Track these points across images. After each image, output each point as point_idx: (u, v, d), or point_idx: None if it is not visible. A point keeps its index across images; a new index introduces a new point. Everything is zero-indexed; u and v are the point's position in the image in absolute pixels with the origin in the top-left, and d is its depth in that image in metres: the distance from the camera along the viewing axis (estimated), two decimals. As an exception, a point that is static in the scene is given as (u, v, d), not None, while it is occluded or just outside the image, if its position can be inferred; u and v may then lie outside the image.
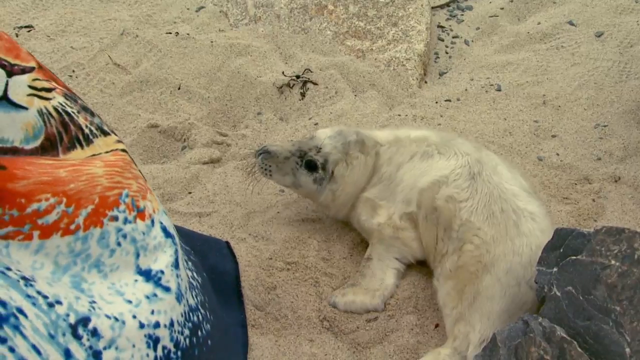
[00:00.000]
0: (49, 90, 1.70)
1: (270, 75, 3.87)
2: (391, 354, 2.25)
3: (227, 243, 2.63)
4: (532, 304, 2.11)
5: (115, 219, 1.67)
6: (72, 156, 1.69)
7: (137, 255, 1.72)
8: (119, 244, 1.67)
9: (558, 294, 1.81)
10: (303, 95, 3.77)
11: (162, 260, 1.78)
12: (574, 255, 1.82)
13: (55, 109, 1.69)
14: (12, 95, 1.57)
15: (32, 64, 1.68)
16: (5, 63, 1.59)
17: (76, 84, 3.78)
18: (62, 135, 1.69)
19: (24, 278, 1.45)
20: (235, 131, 3.55)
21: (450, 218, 2.34)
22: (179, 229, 2.57)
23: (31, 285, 1.45)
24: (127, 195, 1.73)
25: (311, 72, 3.88)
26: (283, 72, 3.87)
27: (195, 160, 3.24)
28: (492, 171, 2.41)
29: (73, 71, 3.88)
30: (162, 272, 1.76)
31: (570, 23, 4.40)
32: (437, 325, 2.35)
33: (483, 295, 2.13)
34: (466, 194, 2.35)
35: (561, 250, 1.90)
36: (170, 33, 4.28)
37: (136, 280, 1.69)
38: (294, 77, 3.83)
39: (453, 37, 4.49)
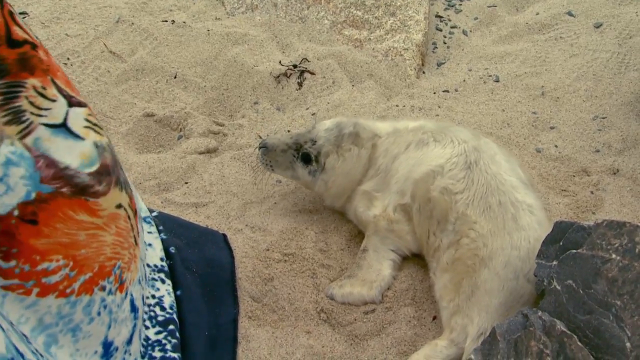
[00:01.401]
0: (101, 127, 1.73)
1: (267, 65, 3.82)
2: (388, 346, 2.23)
3: (224, 236, 2.61)
4: (529, 297, 2.10)
5: (104, 289, 1.69)
6: (115, 192, 1.70)
7: (109, 327, 1.73)
8: (98, 314, 1.68)
9: (558, 287, 1.80)
10: (300, 85, 3.73)
11: (122, 335, 1.80)
12: (574, 249, 1.81)
13: (108, 146, 1.72)
14: (71, 124, 1.59)
15: (85, 101, 1.70)
16: (65, 94, 1.61)
17: (71, 72, 3.73)
18: (115, 168, 1.72)
19: (24, 335, 1.47)
20: (232, 121, 3.52)
21: (445, 211, 2.30)
22: (176, 220, 2.55)
23: (30, 342, 1.47)
24: (118, 267, 1.75)
25: (308, 61, 3.84)
26: (280, 62, 3.83)
27: (191, 150, 3.21)
28: (490, 160, 2.36)
29: (68, 59, 3.83)
30: (116, 349, 1.77)
31: (569, 14, 4.37)
32: (434, 318, 2.33)
33: (481, 289, 2.11)
34: (462, 185, 2.31)
35: (561, 243, 1.89)
36: (166, 21, 4.23)
37: (96, 352, 1.70)
38: (291, 67, 3.79)
39: (451, 27, 4.45)
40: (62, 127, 1.57)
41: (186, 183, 3.00)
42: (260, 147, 2.71)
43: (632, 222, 1.71)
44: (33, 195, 1.46)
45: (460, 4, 4.70)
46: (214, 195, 2.92)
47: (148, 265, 2.15)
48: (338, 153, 2.62)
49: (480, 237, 2.19)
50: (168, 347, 2.00)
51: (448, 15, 4.59)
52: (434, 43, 4.31)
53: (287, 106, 3.64)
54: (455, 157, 2.38)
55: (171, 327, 2.06)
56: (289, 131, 3.31)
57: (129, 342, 1.83)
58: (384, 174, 2.58)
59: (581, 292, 1.73)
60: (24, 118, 1.49)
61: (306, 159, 2.65)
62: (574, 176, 3.00)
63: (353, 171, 2.64)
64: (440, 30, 4.43)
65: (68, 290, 1.57)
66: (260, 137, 3.22)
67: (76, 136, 1.60)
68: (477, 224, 2.22)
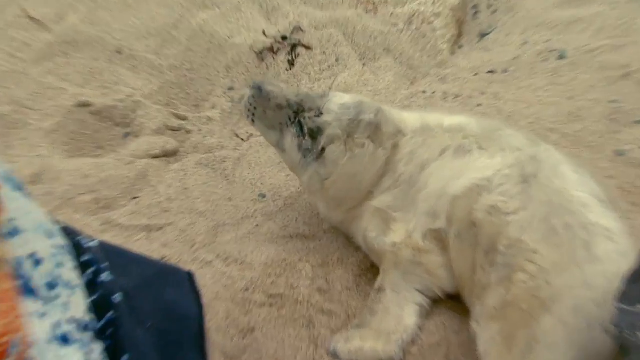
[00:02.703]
0: None
1: (247, 36, 3.86)
2: (414, 423, 2.25)
3: (190, 274, 2.61)
4: (608, 354, 2.12)
5: None
6: None
7: None
8: None
9: (646, 341, 1.81)
10: (292, 63, 3.76)
11: None
12: (668, 288, 1.83)
13: None
14: None
15: None
16: None
17: (-24, 46, 3.77)
18: None
19: None
20: (198, 113, 3.54)
21: (494, 237, 2.33)
22: (124, 253, 2.56)
23: None
24: (14, 346, 1.77)
25: (303, 31, 3.87)
26: (264, 32, 3.87)
27: (142, 153, 3.23)
28: (552, 173, 2.39)
29: (-28, 27, 3.87)
30: None
31: (661, -34, 4.42)
32: (477, 384, 2.35)
33: (542, 343, 2.13)
34: (516, 204, 2.34)
35: (650, 280, 1.91)
36: (108, -24, 4.27)
37: None
38: (280, 39, 3.82)
39: (499, -15, 4.51)
40: None
41: (135, 198, 3.02)
42: (252, 87, 2.72)
43: None
44: None
45: (511, -47, 4.76)
46: (174, 214, 2.94)
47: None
48: (346, 144, 2.63)
49: (540, 271, 2.21)
50: None
51: (494, -31, 4.64)
52: (475, 6, 4.35)
53: (273, 93, 3.67)
54: (508, 169, 2.41)
55: None
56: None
57: None
58: (406, 186, 2.60)
59: (678, 347, 1.75)
60: None
61: (302, 130, 2.67)
62: (667, 189, 3.03)
63: (362, 175, 2.65)
64: (484, -11, 4.49)
65: None
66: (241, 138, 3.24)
67: None
68: (537, 255, 2.24)
